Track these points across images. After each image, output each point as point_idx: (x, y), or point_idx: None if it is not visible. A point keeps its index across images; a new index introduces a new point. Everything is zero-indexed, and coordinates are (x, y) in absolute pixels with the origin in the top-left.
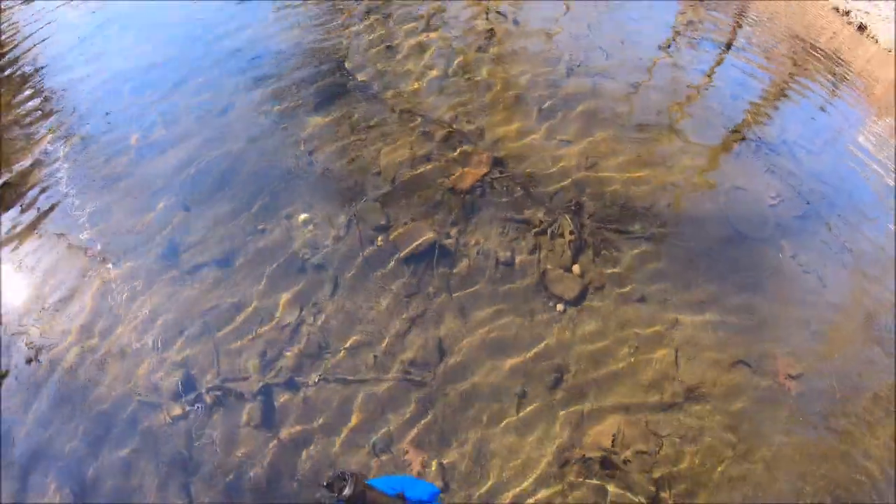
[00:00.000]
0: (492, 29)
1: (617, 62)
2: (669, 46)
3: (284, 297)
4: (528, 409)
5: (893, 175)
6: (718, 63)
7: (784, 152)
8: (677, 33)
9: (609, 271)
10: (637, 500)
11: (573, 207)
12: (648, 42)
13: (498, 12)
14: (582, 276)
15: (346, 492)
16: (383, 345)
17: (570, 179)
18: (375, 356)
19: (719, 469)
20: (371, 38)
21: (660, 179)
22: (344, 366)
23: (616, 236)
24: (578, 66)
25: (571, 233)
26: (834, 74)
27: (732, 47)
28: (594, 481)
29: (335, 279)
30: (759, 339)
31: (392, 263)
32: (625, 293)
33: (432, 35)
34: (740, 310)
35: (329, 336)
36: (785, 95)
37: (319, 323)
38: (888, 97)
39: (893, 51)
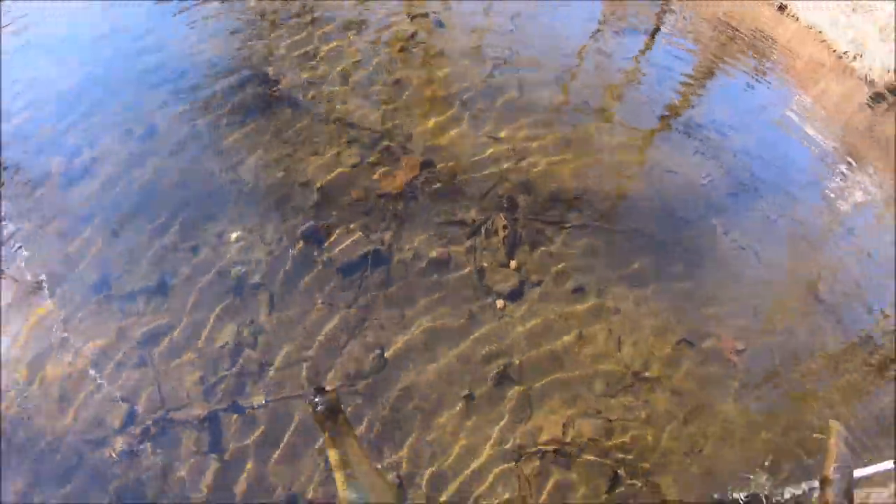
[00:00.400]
0: (415, 31)
1: (542, 54)
2: (596, 35)
3: (221, 317)
4: (477, 407)
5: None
6: (646, 49)
7: (713, 131)
8: (603, 22)
9: (546, 262)
10: (596, 484)
11: (505, 203)
12: (574, 33)
13: (421, 14)
14: (519, 269)
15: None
16: (324, 357)
17: (500, 174)
18: (316, 369)
19: (672, 444)
20: (295, 44)
21: (590, 167)
22: (286, 381)
23: (550, 227)
24: (504, 61)
25: (505, 227)
26: (758, 53)
27: (659, 33)
28: (551, 473)
29: (270, 295)
30: (700, 317)
31: (327, 274)
32: (563, 283)
33: (355, 39)
34: (679, 290)
35: (268, 353)
36: (712, 76)
37: (258, 341)
38: (809, 71)
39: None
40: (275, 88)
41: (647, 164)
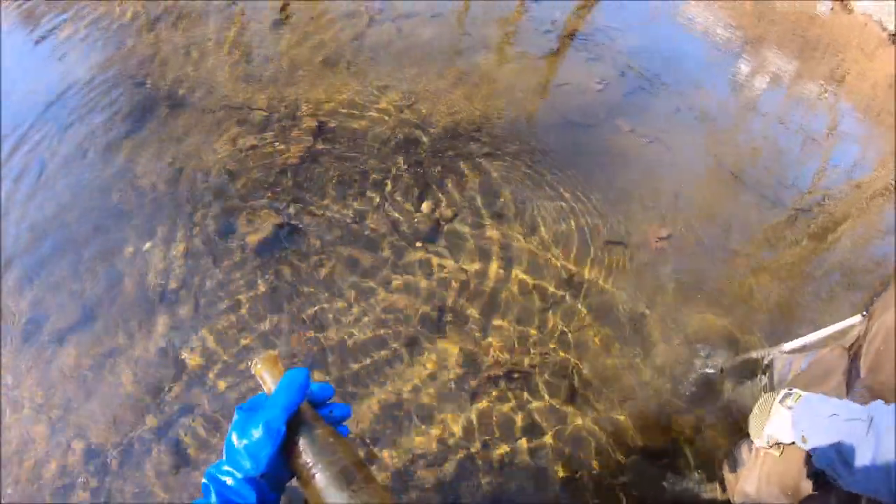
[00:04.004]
0: (284, 4)
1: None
2: None
3: (152, 330)
4: (420, 352)
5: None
6: None
7: (601, 38)
8: None
9: (457, 196)
10: (553, 401)
11: (404, 148)
12: None
13: None
14: (433, 211)
15: None
16: (260, 344)
17: (396, 122)
18: (255, 361)
19: (620, 346)
20: (165, 45)
21: (484, 97)
22: (228, 378)
23: (455, 162)
24: (379, 12)
25: (409, 169)
26: None
27: None
28: (507, 398)
29: (195, 297)
30: (622, 216)
31: (245, 260)
32: (479, 214)
33: (225, 27)
34: (596, 194)
35: (205, 355)
36: None
37: (190, 345)
38: None
39: None
40: (156, 91)
41: (541, 81)
